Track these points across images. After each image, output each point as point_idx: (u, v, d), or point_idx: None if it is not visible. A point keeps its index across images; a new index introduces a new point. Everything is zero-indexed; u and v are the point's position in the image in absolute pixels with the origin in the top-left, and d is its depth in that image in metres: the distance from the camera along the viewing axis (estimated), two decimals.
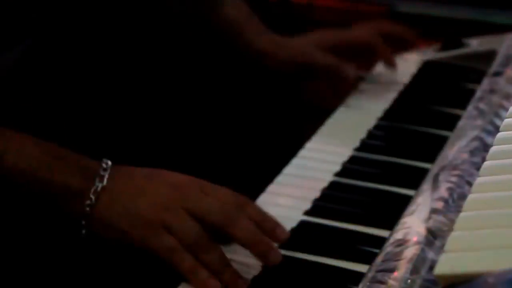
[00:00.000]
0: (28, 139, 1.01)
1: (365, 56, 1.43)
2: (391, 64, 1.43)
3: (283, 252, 1.00)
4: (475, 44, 1.51)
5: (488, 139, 1.14)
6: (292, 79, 1.46)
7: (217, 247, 0.97)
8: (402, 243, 0.97)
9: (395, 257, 0.95)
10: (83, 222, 0.98)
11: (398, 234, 1.00)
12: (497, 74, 1.35)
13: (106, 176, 0.99)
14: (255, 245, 0.97)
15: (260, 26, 1.42)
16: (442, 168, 1.11)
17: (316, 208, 1.10)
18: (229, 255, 0.98)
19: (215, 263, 0.96)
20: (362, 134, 1.27)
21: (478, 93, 1.31)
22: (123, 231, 0.98)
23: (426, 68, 1.47)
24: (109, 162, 1.00)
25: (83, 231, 0.99)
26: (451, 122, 1.26)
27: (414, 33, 1.49)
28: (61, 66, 1.20)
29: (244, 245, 0.97)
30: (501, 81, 1.32)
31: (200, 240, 0.96)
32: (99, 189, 0.98)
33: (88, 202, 0.98)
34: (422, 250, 0.94)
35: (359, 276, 0.95)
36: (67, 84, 1.20)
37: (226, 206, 0.98)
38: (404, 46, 1.48)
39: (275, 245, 0.99)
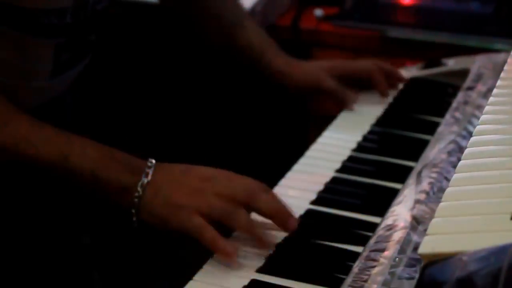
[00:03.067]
0: (88, 142, 1.02)
1: (365, 84, 1.42)
2: (385, 96, 1.41)
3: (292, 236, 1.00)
4: (451, 63, 1.50)
5: (463, 143, 1.13)
6: (302, 96, 1.45)
7: (242, 215, 0.97)
8: (391, 228, 0.97)
9: (386, 239, 0.95)
10: (133, 211, 0.99)
11: (388, 220, 1.00)
12: (470, 88, 1.34)
13: (151, 172, 1.00)
14: (277, 214, 0.98)
15: (278, 49, 1.41)
16: (424, 166, 1.11)
17: (321, 199, 1.09)
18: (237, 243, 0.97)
19: (242, 225, 0.97)
20: (358, 138, 1.26)
21: (454, 104, 1.31)
22: (164, 218, 0.98)
23: (411, 84, 1.46)
24: (153, 161, 1.01)
25: (134, 219, 0.99)
26: (431, 128, 1.26)
27: (401, 76, 1.48)
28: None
29: (268, 215, 0.98)
30: (473, 95, 1.32)
31: (225, 213, 0.97)
32: (145, 183, 0.99)
33: (136, 194, 0.99)
34: (408, 234, 0.94)
35: (356, 255, 0.95)
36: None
37: (250, 186, 0.99)
38: (395, 82, 1.47)
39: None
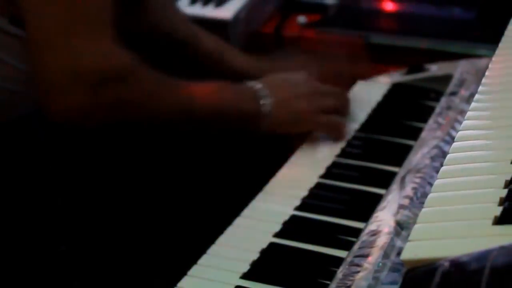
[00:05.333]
0: (205, 85, 1.18)
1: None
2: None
3: (277, 240, 1.00)
4: (434, 69, 1.50)
5: (446, 148, 1.13)
6: None
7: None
8: (375, 233, 0.97)
9: (370, 244, 0.95)
10: (263, 128, 1.21)
11: (372, 226, 0.99)
12: (453, 94, 1.34)
13: (267, 92, 1.21)
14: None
15: (236, 51, 1.44)
16: (408, 171, 1.11)
17: (305, 205, 1.09)
18: (216, 252, 0.98)
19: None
20: (342, 143, 1.26)
21: (437, 110, 1.30)
22: (293, 126, 1.24)
23: (394, 89, 1.46)
24: (260, 84, 1.21)
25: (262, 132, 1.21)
26: (415, 133, 1.25)
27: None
28: None
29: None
30: (456, 100, 1.32)
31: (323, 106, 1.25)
32: (269, 103, 1.20)
33: (263, 114, 1.20)
34: (392, 239, 0.94)
35: (340, 260, 0.95)
36: None
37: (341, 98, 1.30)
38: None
39: None
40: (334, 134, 1.25)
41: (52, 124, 1.10)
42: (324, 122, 1.25)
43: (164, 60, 1.45)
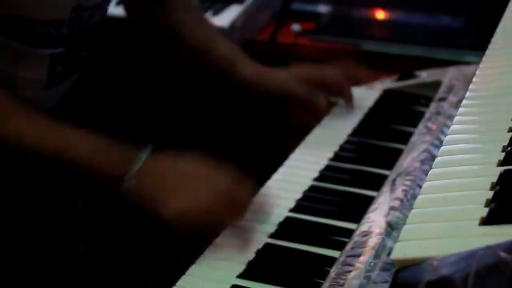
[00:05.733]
0: (84, 133, 1.04)
1: (332, 91, 1.42)
2: (349, 103, 1.41)
3: (272, 241, 1.01)
4: (424, 75, 1.50)
5: (435, 151, 1.14)
6: (273, 104, 1.45)
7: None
8: (367, 234, 0.98)
9: (361, 245, 0.96)
10: (127, 196, 1.01)
11: (364, 227, 1.00)
12: (442, 99, 1.35)
13: (144, 160, 1.02)
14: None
15: (247, 59, 1.41)
16: (398, 174, 1.12)
17: (299, 207, 1.10)
18: (213, 253, 0.98)
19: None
20: (335, 147, 1.26)
21: (427, 115, 1.31)
22: (151, 197, 1.01)
23: (386, 95, 1.46)
24: (147, 150, 1.03)
25: (125, 204, 1.02)
26: (405, 138, 1.26)
27: (370, 73, 1.48)
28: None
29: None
30: (445, 105, 1.32)
31: (206, 209, 1.00)
32: (138, 170, 1.01)
33: (129, 180, 1.01)
34: (383, 240, 0.95)
35: (333, 260, 0.96)
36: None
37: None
38: (362, 83, 1.47)
39: None
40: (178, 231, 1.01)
41: None
42: (176, 213, 1.00)
43: (178, 63, 1.45)
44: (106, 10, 1.21)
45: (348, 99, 1.41)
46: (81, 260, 1.22)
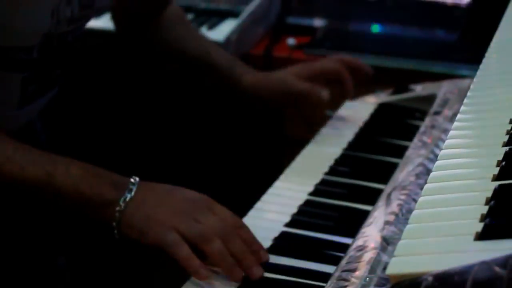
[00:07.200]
0: (72, 161, 1.02)
1: (333, 84, 1.40)
2: (349, 91, 1.39)
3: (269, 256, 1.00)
4: (419, 89, 1.51)
5: (430, 166, 1.13)
6: (274, 106, 1.44)
7: (217, 242, 0.96)
8: (362, 248, 0.97)
9: (357, 259, 0.95)
10: (114, 224, 0.98)
11: (359, 241, 1.00)
12: (437, 113, 1.35)
13: (134, 188, 0.99)
14: (244, 259, 0.97)
15: (244, 66, 1.42)
16: (394, 189, 1.12)
17: (294, 221, 1.09)
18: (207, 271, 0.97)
19: (215, 253, 0.96)
20: (330, 161, 1.26)
21: (422, 129, 1.31)
22: (143, 231, 0.98)
23: (381, 109, 1.47)
24: (137, 178, 1.01)
25: (116, 233, 0.99)
26: (400, 152, 1.26)
27: (368, 66, 1.47)
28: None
29: (234, 258, 0.97)
30: (440, 119, 1.33)
31: (201, 237, 0.96)
32: (128, 198, 0.99)
33: (118, 208, 0.98)
34: (378, 254, 0.95)
35: (328, 275, 0.95)
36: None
37: (225, 226, 0.98)
38: (362, 76, 1.46)
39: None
40: (179, 260, 0.97)
41: None
42: (173, 242, 0.96)
43: (177, 77, 1.45)
44: (79, 33, 1.19)
45: (348, 86, 1.40)
46: (61, 271, 1.21)
